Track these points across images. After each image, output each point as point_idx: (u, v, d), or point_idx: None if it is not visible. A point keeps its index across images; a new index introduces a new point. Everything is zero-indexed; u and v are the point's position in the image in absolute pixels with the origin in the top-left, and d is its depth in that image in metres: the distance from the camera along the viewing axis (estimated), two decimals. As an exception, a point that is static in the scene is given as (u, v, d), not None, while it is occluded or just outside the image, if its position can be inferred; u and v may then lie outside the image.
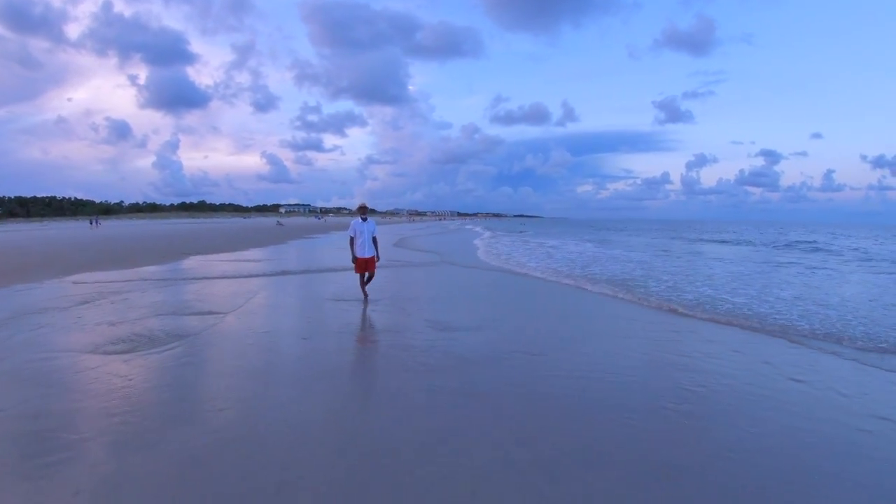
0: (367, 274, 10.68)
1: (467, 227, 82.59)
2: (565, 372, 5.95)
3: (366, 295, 10.58)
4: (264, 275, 14.50)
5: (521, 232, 60.89)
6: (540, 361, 6.38)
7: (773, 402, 5.16)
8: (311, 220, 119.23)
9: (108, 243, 27.31)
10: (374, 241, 10.70)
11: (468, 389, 5.30)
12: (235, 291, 11.37)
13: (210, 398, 4.98)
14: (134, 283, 12.59)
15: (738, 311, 10.11)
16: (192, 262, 18.03)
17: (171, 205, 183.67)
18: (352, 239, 10.43)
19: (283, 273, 15.00)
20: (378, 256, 10.93)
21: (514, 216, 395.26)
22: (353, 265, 10.58)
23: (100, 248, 23.82)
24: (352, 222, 10.55)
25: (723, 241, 41.92)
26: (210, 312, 8.86)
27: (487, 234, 54.01)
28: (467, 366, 6.10)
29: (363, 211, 10.68)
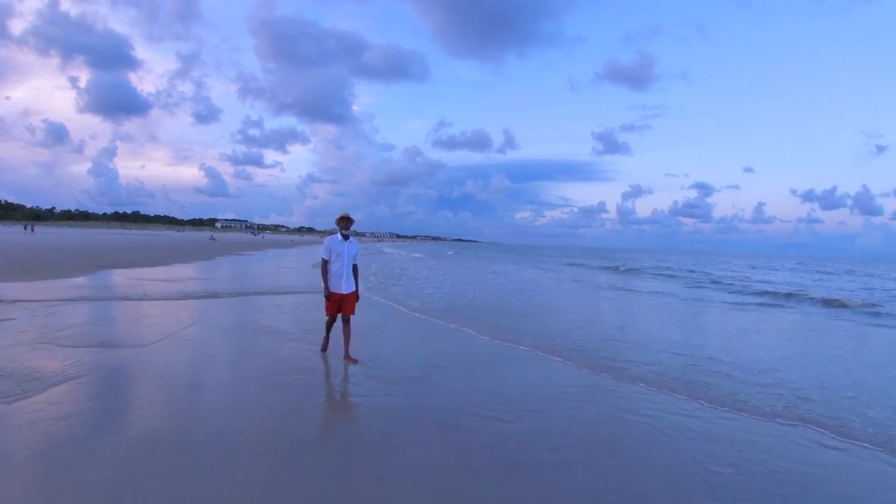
0: (337, 316, 7.14)
1: (391, 251, 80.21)
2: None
3: (347, 355, 6.97)
4: (171, 298, 12.15)
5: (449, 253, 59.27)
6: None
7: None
8: (248, 236, 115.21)
9: (27, 252, 24.17)
10: (355, 270, 7.20)
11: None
12: (132, 318, 9.20)
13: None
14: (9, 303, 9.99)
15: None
16: (96, 280, 15.34)
17: (104, 214, 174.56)
18: (325, 263, 6.98)
19: (196, 296, 12.64)
20: (358, 294, 7.29)
21: (454, 240, 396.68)
22: (324, 301, 7.04)
23: (12, 258, 20.55)
24: (326, 240, 7.08)
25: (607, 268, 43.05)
26: (80, 346, 6.80)
27: (415, 255, 52.87)
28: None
29: (345, 225, 7.05)
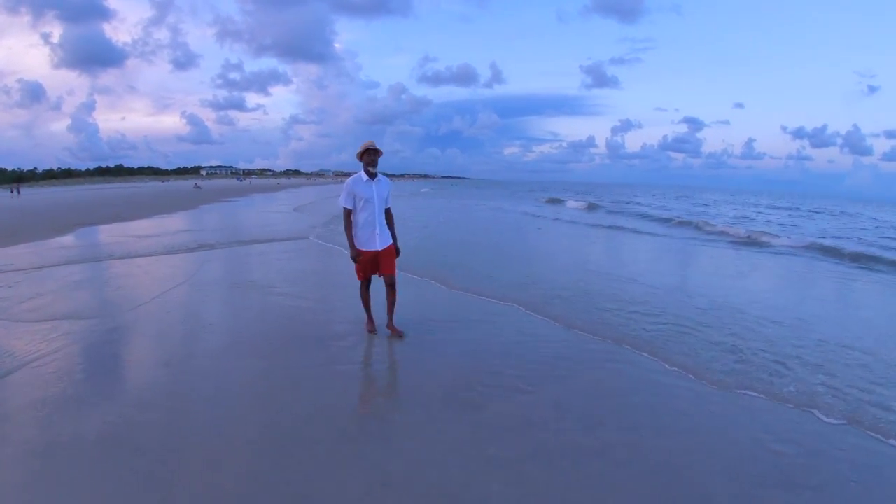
0: (373, 279, 5.61)
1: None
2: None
3: (393, 331, 5.55)
4: (142, 255, 10.96)
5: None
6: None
7: None
8: (233, 181, 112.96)
9: (10, 214, 22.95)
10: (389, 217, 5.55)
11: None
12: (113, 279, 8.33)
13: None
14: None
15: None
16: (76, 239, 14.08)
17: (87, 170, 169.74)
18: (347, 214, 5.34)
19: (178, 251, 11.44)
20: (398, 248, 5.61)
21: (442, 177, 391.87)
22: (354, 262, 5.42)
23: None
24: (347, 182, 5.35)
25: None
26: None
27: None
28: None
29: (370, 159, 5.28)
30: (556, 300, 7.28)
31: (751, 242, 16.39)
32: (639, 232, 19.17)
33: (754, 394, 4.34)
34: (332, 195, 43.75)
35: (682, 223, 22.59)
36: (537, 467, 3.13)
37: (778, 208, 42.89)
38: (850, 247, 14.86)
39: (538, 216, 26.13)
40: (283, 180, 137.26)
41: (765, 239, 16.79)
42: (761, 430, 3.70)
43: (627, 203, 39.66)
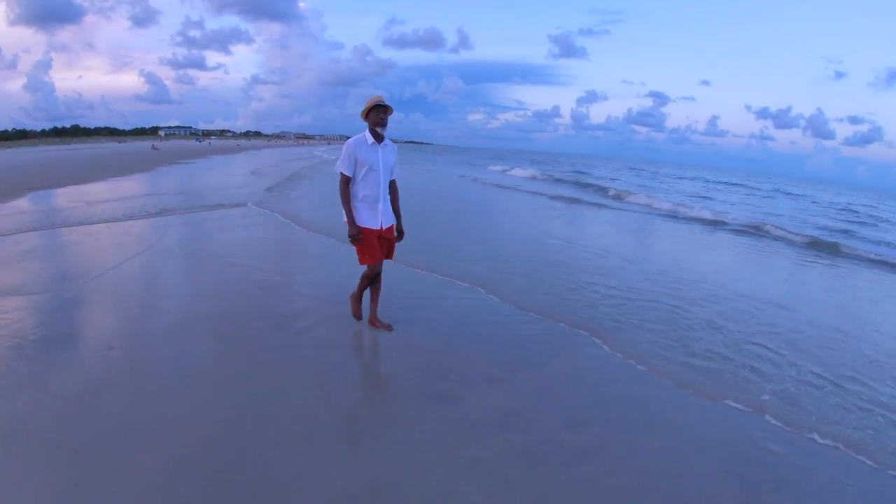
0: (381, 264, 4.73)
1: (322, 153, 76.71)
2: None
3: (378, 324, 4.85)
4: (102, 221, 10.07)
5: None
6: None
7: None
8: (192, 143, 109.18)
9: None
10: (394, 189, 4.68)
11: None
12: (64, 248, 7.60)
13: None
14: None
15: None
16: (25, 205, 12.97)
17: (43, 130, 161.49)
18: (345, 182, 4.42)
19: (131, 216, 10.52)
20: (402, 228, 4.78)
21: (405, 142, 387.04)
22: (355, 244, 4.49)
23: None
24: (348, 144, 4.40)
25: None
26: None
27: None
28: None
29: (378, 118, 4.38)
30: (516, 276, 7.11)
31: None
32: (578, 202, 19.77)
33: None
34: (293, 158, 42.48)
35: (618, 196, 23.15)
36: (524, 471, 2.85)
37: (729, 184, 44.39)
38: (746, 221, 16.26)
39: (481, 182, 27.33)
40: (243, 142, 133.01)
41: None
42: (753, 426, 3.55)
43: (581, 173, 40.25)
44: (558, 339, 4.95)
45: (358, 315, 4.94)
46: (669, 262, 9.47)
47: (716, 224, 15.89)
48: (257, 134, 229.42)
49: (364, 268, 4.61)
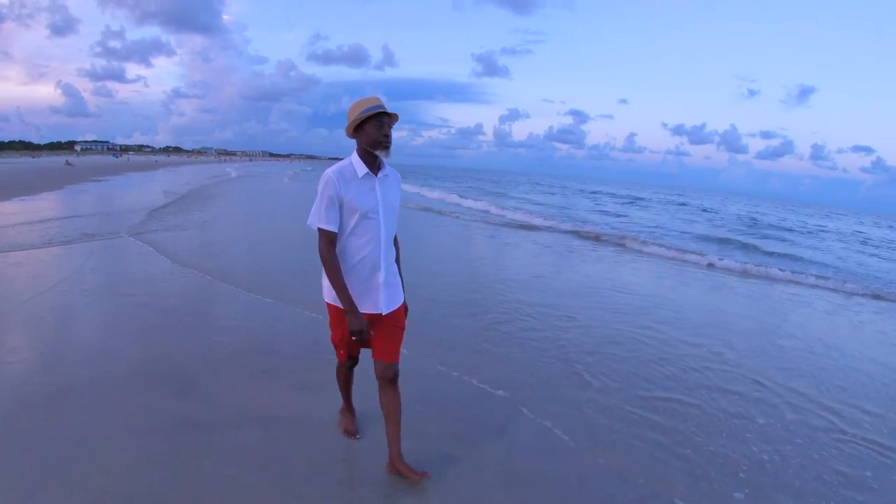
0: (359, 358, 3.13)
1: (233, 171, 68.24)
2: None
3: (404, 470, 2.88)
4: None
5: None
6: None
7: None
8: (109, 158, 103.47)
9: None
10: (395, 244, 2.90)
11: None
12: None
13: None
14: None
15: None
16: None
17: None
18: (327, 240, 2.62)
19: (18, 247, 8.68)
20: (406, 305, 2.98)
21: (329, 158, 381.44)
22: (358, 343, 2.78)
23: None
24: (329, 178, 2.57)
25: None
26: None
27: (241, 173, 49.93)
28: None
29: (380, 133, 2.61)
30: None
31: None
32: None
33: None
34: (211, 176, 40.21)
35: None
36: None
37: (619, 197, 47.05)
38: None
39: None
40: (162, 158, 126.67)
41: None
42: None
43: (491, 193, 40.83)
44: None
45: (349, 429, 3.33)
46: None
47: (530, 229, 17.33)
48: (177, 150, 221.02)
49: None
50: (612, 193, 54.65)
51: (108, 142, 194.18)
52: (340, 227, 2.64)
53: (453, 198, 28.62)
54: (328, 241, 2.62)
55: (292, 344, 4.89)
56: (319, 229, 2.61)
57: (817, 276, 11.83)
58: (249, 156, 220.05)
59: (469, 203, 25.84)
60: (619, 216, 26.83)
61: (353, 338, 2.62)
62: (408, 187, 33.01)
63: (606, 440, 3.61)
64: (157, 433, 3.27)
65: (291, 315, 5.74)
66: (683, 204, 44.14)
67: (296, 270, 7.99)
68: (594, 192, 53.37)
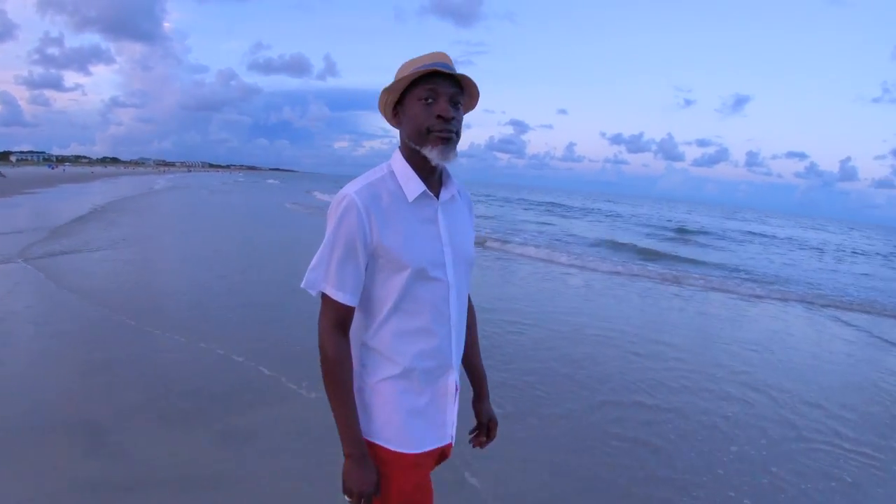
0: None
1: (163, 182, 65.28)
2: None
3: None
4: None
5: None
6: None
7: None
8: (45, 169, 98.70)
9: None
10: (470, 311, 1.64)
11: None
12: None
13: None
14: None
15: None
16: None
17: None
18: (337, 317, 1.34)
19: None
20: (491, 410, 1.71)
21: (270, 169, 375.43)
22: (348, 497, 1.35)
23: None
24: (349, 199, 1.29)
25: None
26: None
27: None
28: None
29: (427, 123, 1.31)
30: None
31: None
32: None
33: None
34: (147, 188, 38.61)
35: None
36: None
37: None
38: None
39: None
40: (100, 169, 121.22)
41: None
42: None
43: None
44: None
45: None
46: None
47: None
48: (115, 160, 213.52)
49: None
50: (539, 201, 57.00)
51: (44, 152, 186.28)
52: (370, 296, 1.38)
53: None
54: (337, 322, 1.36)
55: (210, 383, 4.36)
56: (323, 297, 1.36)
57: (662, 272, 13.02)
58: (188, 166, 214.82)
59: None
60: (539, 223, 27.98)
61: (349, 499, 1.37)
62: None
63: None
64: (56, 500, 2.73)
65: (202, 351, 5.10)
66: (613, 213, 46.03)
67: (201, 301, 7.15)
68: (520, 199, 55.53)
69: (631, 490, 3.24)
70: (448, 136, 1.33)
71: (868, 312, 10.50)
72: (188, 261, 10.46)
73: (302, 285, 1.38)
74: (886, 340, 8.05)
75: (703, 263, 15.79)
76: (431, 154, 1.35)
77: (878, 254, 31.03)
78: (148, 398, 4.04)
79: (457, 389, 1.50)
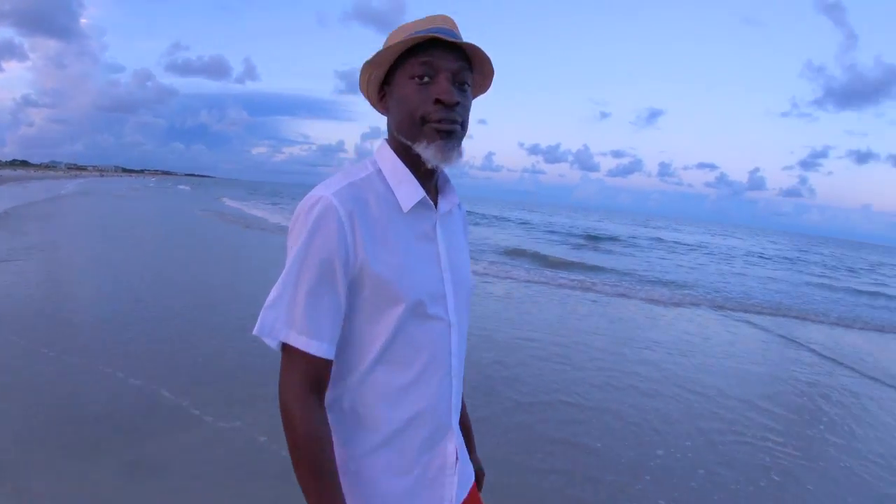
0: None
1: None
2: None
3: None
4: None
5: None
6: None
7: None
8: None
9: None
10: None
11: None
12: None
13: None
14: None
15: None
16: None
17: None
18: (306, 375, 0.93)
19: None
20: (480, 463, 1.35)
21: (186, 175, 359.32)
22: None
23: None
24: (326, 203, 0.93)
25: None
26: None
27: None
28: None
29: (421, 108, 0.97)
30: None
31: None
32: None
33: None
34: (54, 194, 35.47)
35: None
36: None
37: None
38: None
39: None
40: (8, 172, 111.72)
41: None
42: None
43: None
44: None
45: None
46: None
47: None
48: (24, 163, 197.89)
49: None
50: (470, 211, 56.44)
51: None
52: (347, 341, 1.01)
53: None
54: (309, 384, 0.96)
55: (115, 406, 3.90)
56: (285, 348, 0.97)
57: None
58: (101, 171, 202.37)
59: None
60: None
61: None
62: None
63: None
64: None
65: (104, 373, 4.49)
66: (526, 222, 45.34)
67: (100, 318, 6.31)
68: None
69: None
70: (450, 127, 1.00)
71: (774, 315, 11.15)
72: (87, 271, 9.38)
73: (255, 331, 0.96)
74: (794, 340, 8.58)
75: (614, 271, 15.83)
76: (427, 152, 1.00)
77: (784, 258, 33.12)
78: (50, 426, 3.56)
79: (457, 460, 1.11)
